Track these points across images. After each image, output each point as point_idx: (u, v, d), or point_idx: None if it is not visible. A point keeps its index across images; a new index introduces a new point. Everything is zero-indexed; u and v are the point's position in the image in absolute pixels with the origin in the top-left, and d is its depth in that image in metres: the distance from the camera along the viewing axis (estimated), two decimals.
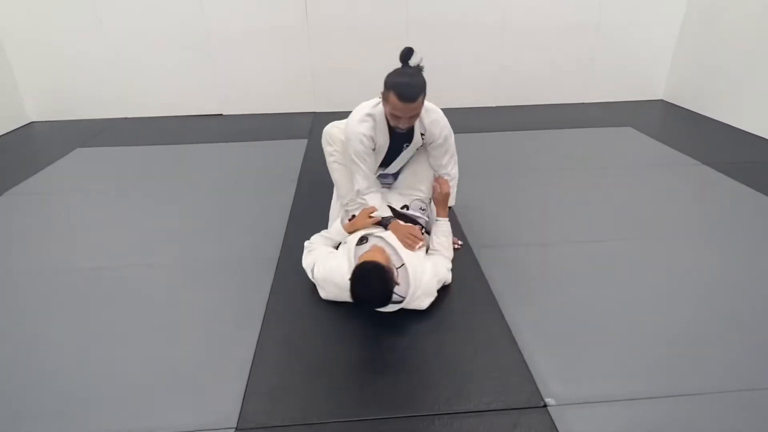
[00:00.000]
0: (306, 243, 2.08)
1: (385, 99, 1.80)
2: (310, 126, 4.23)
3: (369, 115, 1.93)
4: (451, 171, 2.12)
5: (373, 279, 1.59)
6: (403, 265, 1.76)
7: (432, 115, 1.97)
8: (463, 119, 4.38)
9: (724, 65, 4.10)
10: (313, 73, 4.58)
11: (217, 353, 1.67)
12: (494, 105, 4.85)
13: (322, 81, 4.60)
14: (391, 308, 1.75)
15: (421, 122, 1.96)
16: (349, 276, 1.67)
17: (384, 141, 1.98)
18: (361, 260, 1.67)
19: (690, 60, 4.53)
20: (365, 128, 1.92)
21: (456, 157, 2.13)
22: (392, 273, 1.64)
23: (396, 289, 1.69)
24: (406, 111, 1.76)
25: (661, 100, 4.94)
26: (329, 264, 1.87)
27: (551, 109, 4.72)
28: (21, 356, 1.67)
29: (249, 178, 3.16)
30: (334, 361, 1.63)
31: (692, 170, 3.17)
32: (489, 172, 3.19)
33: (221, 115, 4.72)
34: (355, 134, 1.92)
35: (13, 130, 4.32)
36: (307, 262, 1.99)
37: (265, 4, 4.26)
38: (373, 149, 2.01)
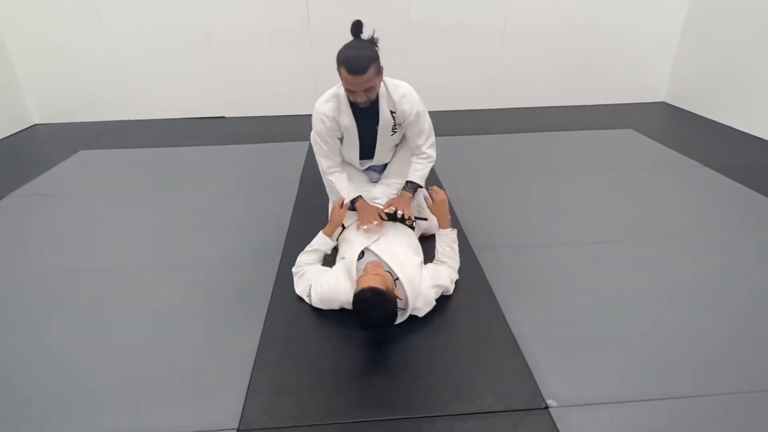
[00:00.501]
0: (294, 269, 2.01)
1: (339, 75, 1.80)
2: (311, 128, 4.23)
3: (333, 95, 1.94)
4: (428, 150, 2.09)
5: (373, 304, 1.54)
6: (398, 278, 1.73)
7: (401, 90, 1.95)
8: (464, 121, 4.40)
9: (726, 67, 4.10)
10: (315, 75, 4.59)
11: (219, 354, 1.68)
12: (495, 107, 4.86)
13: (324, 83, 4.59)
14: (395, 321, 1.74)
15: (390, 98, 1.94)
16: (350, 291, 1.67)
17: (350, 122, 1.97)
18: (359, 287, 1.61)
19: (692, 62, 4.53)
20: (327, 108, 1.94)
21: (433, 138, 2.10)
22: (392, 293, 1.60)
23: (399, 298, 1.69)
24: (358, 84, 1.75)
25: (663, 102, 4.94)
26: (327, 284, 1.81)
27: (552, 111, 4.73)
28: (23, 356, 1.68)
29: (251, 180, 3.17)
30: (336, 362, 1.64)
31: (694, 172, 3.17)
32: (490, 174, 3.19)
33: (223, 117, 4.74)
34: (317, 114, 1.96)
35: (17, 132, 4.34)
36: (300, 288, 1.92)
37: (266, 6, 4.28)
38: (341, 137, 2.01)
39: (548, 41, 4.59)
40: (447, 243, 2.00)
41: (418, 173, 2.11)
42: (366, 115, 1.94)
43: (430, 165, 2.14)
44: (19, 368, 1.63)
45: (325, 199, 2.45)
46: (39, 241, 2.46)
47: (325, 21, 4.36)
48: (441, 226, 2.03)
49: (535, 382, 1.53)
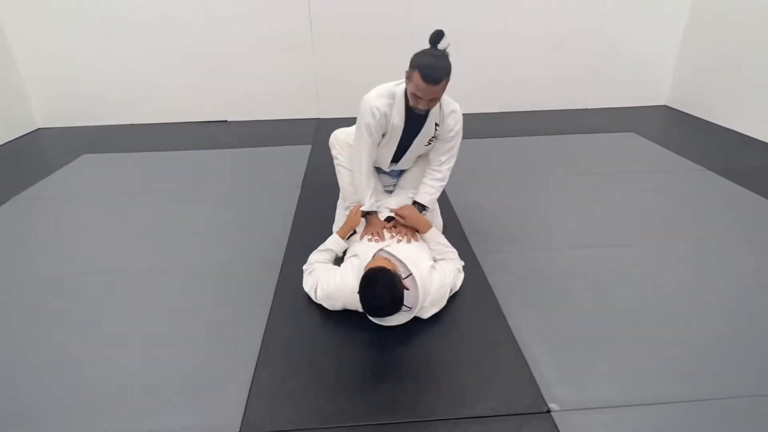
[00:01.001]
0: (304, 267, 2.03)
1: (408, 77, 1.79)
2: (314, 132, 4.25)
3: (391, 93, 1.93)
4: (445, 171, 2.12)
5: (380, 283, 1.56)
6: (410, 275, 1.74)
7: (453, 106, 1.99)
8: (467, 124, 4.36)
9: (728, 70, 4.10)
10: (318, 80, 4.61)
11: (221, 357, 1.68)
12: (498, 111, 4.87)
13: (326, 87, 4.63)
14: (399, 320, 1.74)
15: (441, 111, 1.97)
16: (355, 288, 1.68)
17: (399, 122, 1.96)
18: (367, 268, 1.65)
19: (693, 65, 4.53)
20: (381, 103, 1.92)
21: (453, 162, 2.14)
22: (399, 277, 1.63)
23: (405, 299, 1.68)
24: (428, 93, 1.75)
25: (665, 106, 4.94)
26: (334, 280, 1.82)
27: (554, 114, 4.73)
28: (24, 359, 1.68)
29: (253, 184, 3.18)
30: (338, 365, 1.64)
31: (696, 175, 3.16)
32: (493, 178, 3.19)
33: (226, 121, 4.76)
34: (369, 106, 1.92)
35: (21, 136, 4.36)
36: (308, 285, 1.94)
37: (269, 12, 4.30)
38: (384, 134, 2.01)
39: (550, 45, 4.60)
40: (435, 242, 2.02)
41: (429, 196, 2.13)
42: (414, 120, 1.95)
43: (441, 188, 2.17)
44: (21, 370, 1.63)
45: (328, 202, 2.45)
46: (42, 244, 2.47)
47: (327, 26, 4.38)
48: (422, 233, 2.05)
49: (537, 386, 1.53)
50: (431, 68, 1.72)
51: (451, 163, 2.12)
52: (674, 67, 4.77)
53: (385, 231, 2.03)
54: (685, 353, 1.66)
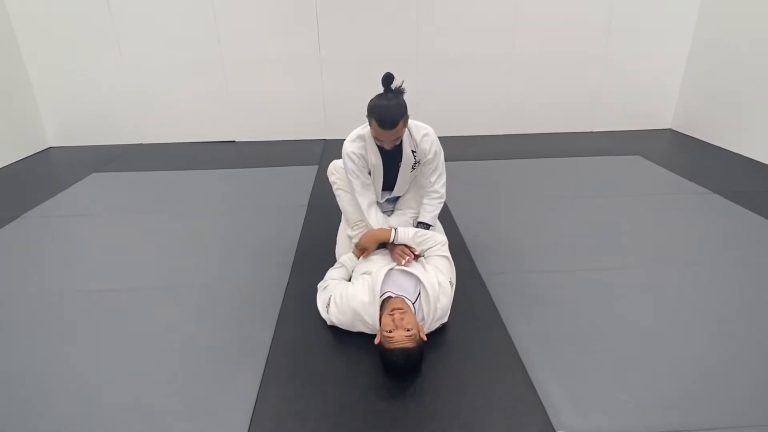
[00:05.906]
0: (319, 284, 2.05)
1: (369, 123, 1.91)
2: (321, 153, 4.29)
3: (360, 136, 2.07)
4: (440, 189, 2.18)
5: (406, 368, 1.61)
6: (419, 296, 1.77)
7: (423, 131, 2.07)
8: (472, 147, 4.43)
9: (733, 93, 4.12)
10: (325, 101, 4.68)
11: (225, 378, 1.66)
12: (503, 133, 4.90)
13: (333, 109, 4.70)
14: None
15: (413, 139, 2.06)
16: (366, 306, 1.74)
17: (376, 159, 2.08)
18: (387, 341, 1.59)
19: (698, 89, 4.57)
20: (355, 147, 2.06)
21: (444, 178, 2.19)
22: (420, 346, 1.61)
23: (418, 314, 1.73)
24: (387, 136, 1.87)
25: (670, 129, 4.96)
26: (346, 292, 1.82)
27: (560, 137, 4.76)
28: (27, 378, 1.67)
29: (260, 203, 3.20)
30: (342, 387, 1.62)
31: (702, 199, 3.16)
32: (498, 200, 3.20)
33: (234, 141, 4.82)
34: (346, 153, 2.07)
35: (32, 155, 4.43)
36: (321, 301, 1.95)
37: (278, 34, 4.40)
38: (369, 172, 2.12)
39: (555, 69, 4.66)
40: (403, 245, 2.01)
41: (430, 214, 2.19)
42: (390, 153, 2.05)
43: (441, 205, 2.22)
44: (26, 386, 1.62)
45: (333, 222, 2.46)
46: (50, 260, 2.48)
47: (335, 50, 4.46)
48: (388, 240, 2.01)
49: (545, 412, 1.50)
50: (386, 115, 1.83)
51: (443, 180, 2.19)
52: (679, 91, 4.80)
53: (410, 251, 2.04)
54: (697, 380, 1.62)
